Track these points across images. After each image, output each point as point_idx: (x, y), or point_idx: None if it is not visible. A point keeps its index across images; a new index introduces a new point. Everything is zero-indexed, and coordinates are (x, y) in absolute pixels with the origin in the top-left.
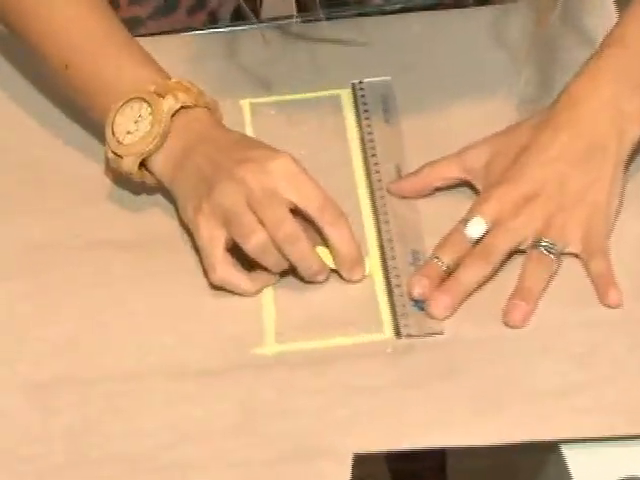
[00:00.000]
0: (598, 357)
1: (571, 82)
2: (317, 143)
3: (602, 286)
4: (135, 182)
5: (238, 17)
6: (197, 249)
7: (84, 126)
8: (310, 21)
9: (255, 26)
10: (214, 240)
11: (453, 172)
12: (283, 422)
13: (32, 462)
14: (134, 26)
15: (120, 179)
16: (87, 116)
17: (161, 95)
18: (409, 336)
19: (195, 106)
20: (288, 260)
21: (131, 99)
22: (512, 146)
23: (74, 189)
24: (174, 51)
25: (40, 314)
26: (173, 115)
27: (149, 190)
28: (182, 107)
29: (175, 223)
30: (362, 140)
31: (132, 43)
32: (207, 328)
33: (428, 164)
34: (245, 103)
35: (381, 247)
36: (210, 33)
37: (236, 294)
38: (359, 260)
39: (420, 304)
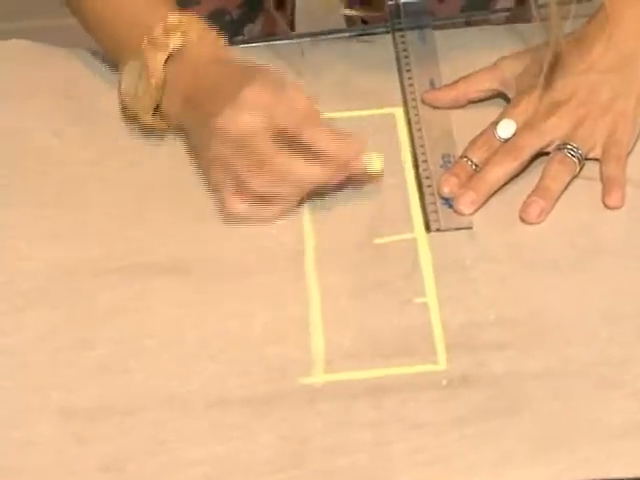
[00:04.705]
0: None
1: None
2: None
3: (608, 187)
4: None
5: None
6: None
7: (126, 145)
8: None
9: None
10: (225, 180)
11: (488, 83)
12: (331, 457)
13: None
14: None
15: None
16: None
17: (154, 44)
18: (438, 230)
19: (190, 44)
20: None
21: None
22: (546, 57)
23: (112, 212)
24: None
25: (75, 339)
26: (166, 62)
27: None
28: (172, 53)
29: (215, 246)
30: (397, 57)
31: None
32: (251, 355)
33: (463, 77)
34: None
35: (413, 151)
36: (249, 47)
37: (282, 319)
38: (353, 151)
39: (449, 202)
